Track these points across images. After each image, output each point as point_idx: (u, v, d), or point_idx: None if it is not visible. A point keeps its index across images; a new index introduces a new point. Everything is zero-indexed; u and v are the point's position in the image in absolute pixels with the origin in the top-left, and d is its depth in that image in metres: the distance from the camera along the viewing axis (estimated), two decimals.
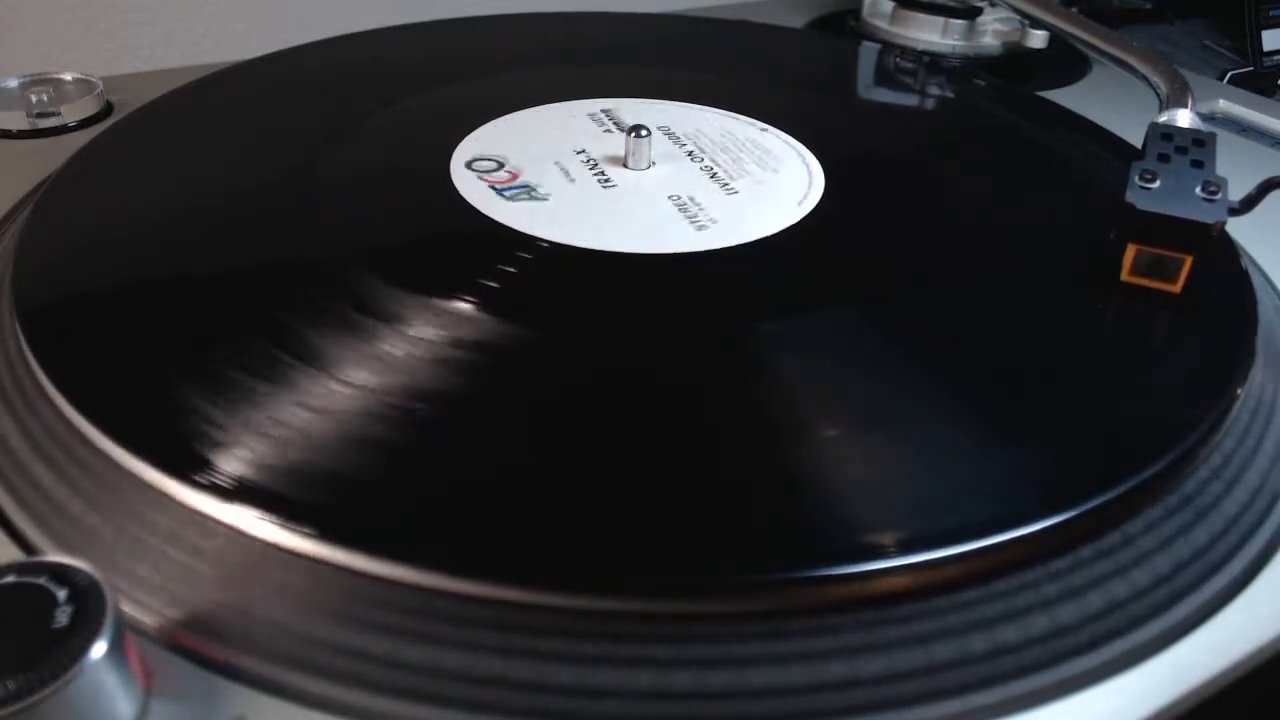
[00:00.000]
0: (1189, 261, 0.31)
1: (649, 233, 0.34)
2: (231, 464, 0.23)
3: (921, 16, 0.59)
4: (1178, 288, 0.32)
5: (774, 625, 0.22)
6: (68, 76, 0.47)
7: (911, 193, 0.38)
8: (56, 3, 0.54)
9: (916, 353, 0.29)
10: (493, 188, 0.35)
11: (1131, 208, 0.31)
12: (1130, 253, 0.32)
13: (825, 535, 0.23)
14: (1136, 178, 0.32)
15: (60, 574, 0.19)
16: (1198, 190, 0.32)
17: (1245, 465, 0.28)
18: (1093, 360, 0.29)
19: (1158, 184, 0.32)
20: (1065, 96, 0.53)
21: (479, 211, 0.34)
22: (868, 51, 0.55)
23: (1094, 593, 0.23)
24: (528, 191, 0.35)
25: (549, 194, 0.35)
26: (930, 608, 0.22)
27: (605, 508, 0.23)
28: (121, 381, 0.26)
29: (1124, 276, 0.32)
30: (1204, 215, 0.31)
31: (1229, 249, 0.35)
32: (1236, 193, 0.32)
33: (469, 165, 0.36)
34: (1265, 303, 0.34)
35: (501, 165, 0.36)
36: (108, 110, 0.46)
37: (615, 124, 0.42)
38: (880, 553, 0.22)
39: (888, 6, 0.61)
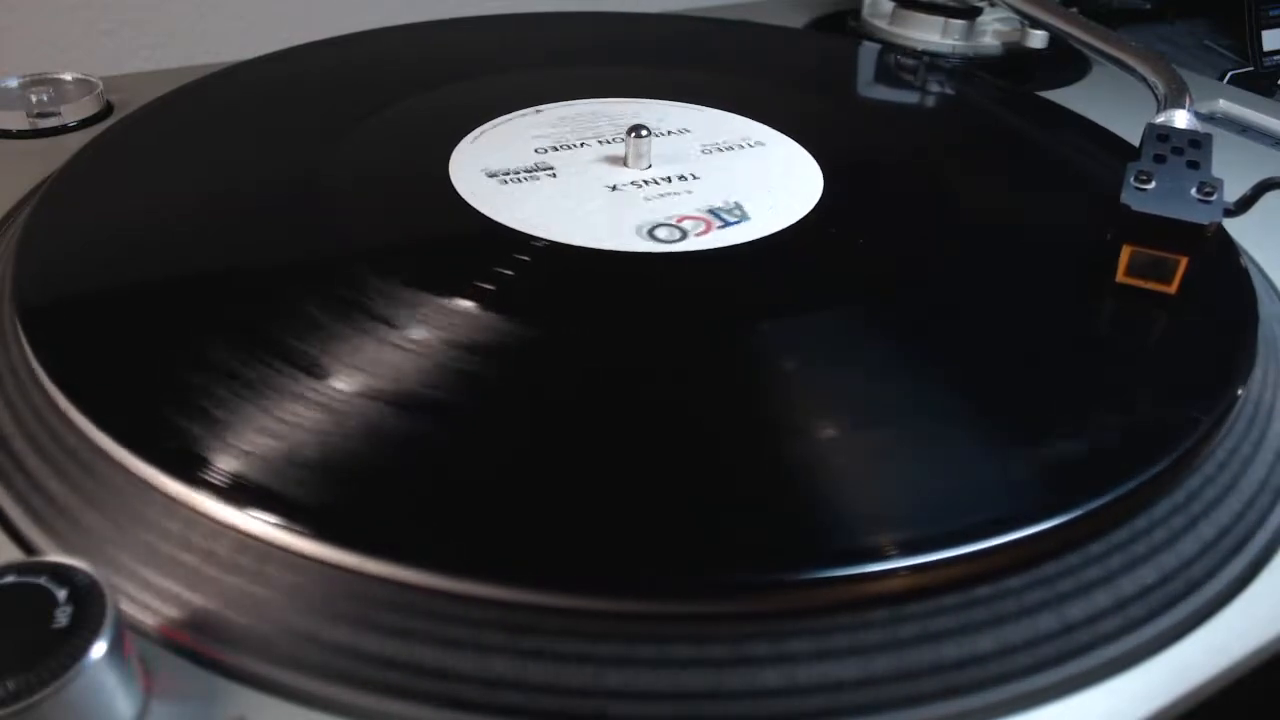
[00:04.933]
0: (1184, 262, 0.31)
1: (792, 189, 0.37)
2: (231, 463, 0.23)
3: (921, 16, 0.59)
4: (1173, 289, 0.31)
5: (774, 626, 0.22)
6: (68, 76, 0.47)
7: (910, 193, 0.38)
8: (56, 3, 0.54)
9: (915, 354, 0.29)
10: (703, 234, 0.34)
11: (1126, 209, 0.31)
12: (1125, 254, 0.31)
13: (826, 537, 0.23)
14: (1132, 179, 0.32)
15: (60, 574, 0.19)
16: (1193, 191, 0.31)
17: (1245, 465, 0.28)
18: (1093, 361, 0.29)
19: (1153, 185, 0.32)
20: (1065, 96, 0.53)
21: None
22: (868, 51, 0.55)
23: (1094, 593, 0.23)
24: (739, 211, 0.35)
25: (751, 211, 0.35)
26: (931, 609, 0.22)
27: (608, 509, 0.23)
28: (121, 381, 0.26)
29: (1119, 278, 0.32)
30: (1199, 216, 0.31)
31: (1229, 249, 0.35)
32: (1236, 193, 0.32)
33: (651, 235, 0.33)
34: (1265, 303, 0.34)
35: (682, 232, 0.34)
36: (108, 110, 0.46)
37: (614, 134, 0.42)
38: (881, 555, 0.22)
39: (888, 6, 0.61)
